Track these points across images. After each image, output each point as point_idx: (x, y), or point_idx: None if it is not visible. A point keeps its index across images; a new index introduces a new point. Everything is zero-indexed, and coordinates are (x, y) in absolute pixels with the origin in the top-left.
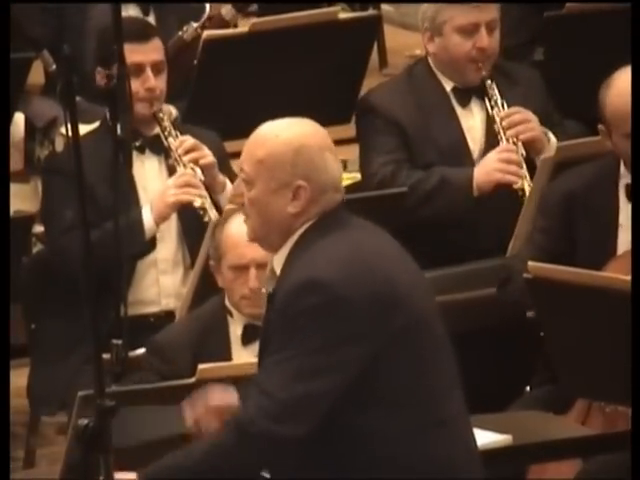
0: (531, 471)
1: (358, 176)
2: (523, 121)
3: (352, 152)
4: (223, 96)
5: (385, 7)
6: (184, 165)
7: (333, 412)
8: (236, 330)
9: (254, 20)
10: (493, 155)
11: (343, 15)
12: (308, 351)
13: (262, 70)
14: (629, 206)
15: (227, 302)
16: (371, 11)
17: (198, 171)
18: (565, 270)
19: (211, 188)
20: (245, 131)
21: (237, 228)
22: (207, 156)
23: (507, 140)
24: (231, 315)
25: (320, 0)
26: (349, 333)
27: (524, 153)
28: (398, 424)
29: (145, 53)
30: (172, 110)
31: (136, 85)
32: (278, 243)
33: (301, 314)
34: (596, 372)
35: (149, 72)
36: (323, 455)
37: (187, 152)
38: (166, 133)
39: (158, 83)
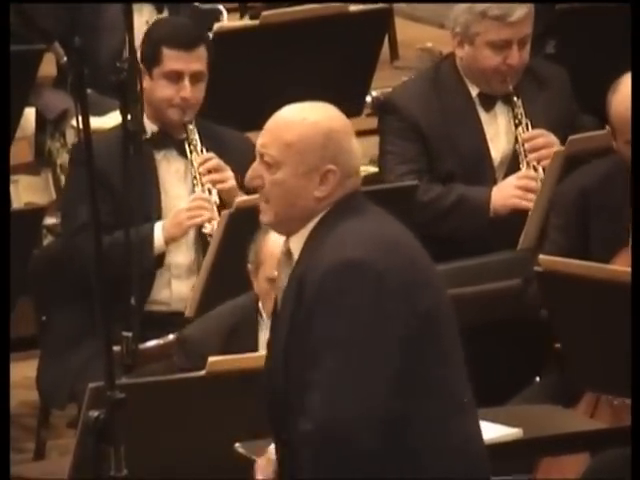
0: (540, 467)
1: (369, 169)
2: (546, 145)
3: (363, 145)
4: (234, 89)
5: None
6: (202, 184)
7: None
8: (264, 333)
9: (265, 13)
10: (512, 180)
11: (354, 8)
12: (361, 342)
13: (273, 63)
14: None
15: (260, 305)
16: (382, 4)
17: (214, 193)
18: (575, 263)
19: (228, 207)
20: (255, 123)
21: (279, 241)
22: (228, 180)
23: (527, 164)
24: (262, 317)
25: None
26: (391, 310)
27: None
28: (420, 411)
29: (187, 62)
30: None
31: (172, 91)
32: (297, 227)
33: (343, 294)
34: (605, 365)
35: (187, 81)
36: None
37: (209, 171)
38: (191, 147)
39: (195, 93)
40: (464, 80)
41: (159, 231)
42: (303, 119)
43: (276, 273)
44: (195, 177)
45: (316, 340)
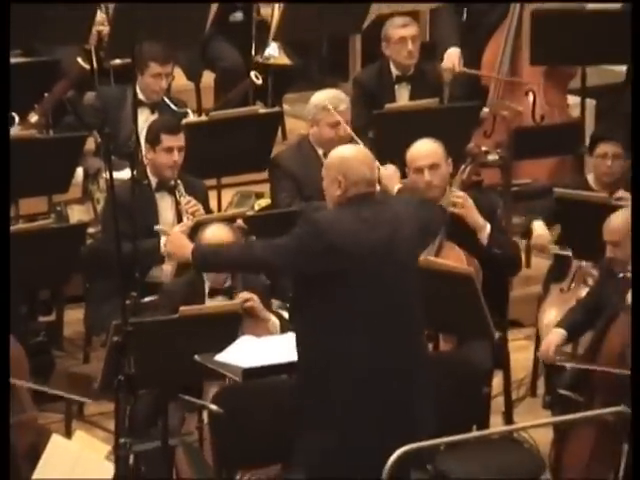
0: None
1: (266, 201)
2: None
3: (264, 188)
4: (198, 156)
5: (285, 106)
6: (187, 214)
7: (300, 310)
8: (206, 288)
9: (212, 113)
10: None
11: (262, 110)
12: (278, 243)
13: (218, 141)
14: None
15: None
16: (277, 108)
17: (192, 220)
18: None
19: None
20: (208, 174)
21: (209, 232)
22: (200, 209)
23: None
24: (204, 281)
25: (249, 100)
26: (306, 254)
27: None
28: (326, 325)
29: (175, 141)
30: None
31: (167, 158)
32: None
33: (294, 228)
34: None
35: (175, 152)
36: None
37: (190, 208)
38: (178, 194)
39: (179, 159)
40: (314, 146)
41: (162, 243)
42: (335, 151)
43: None
44: (183, 211)
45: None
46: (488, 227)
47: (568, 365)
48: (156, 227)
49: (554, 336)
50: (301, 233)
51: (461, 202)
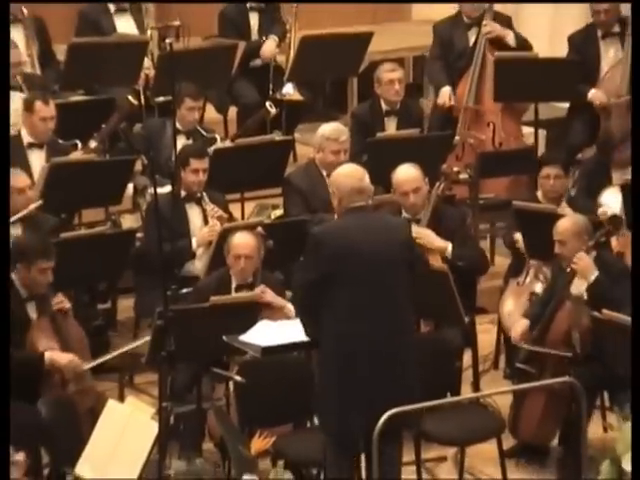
0: None
1: (283, 211)
2: None
3: (277, 201)
4: (225, 174)
5: (296, 135)
6: (212, 218)
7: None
8: (233, 286)
9: (237, 140)
10: None
11: (277, 138)
12: (300, 265)
13: (242, 162)
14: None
15: (231, 272)
16: (290, 136)
17: (218, 223)
18: None
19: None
20: (235, 189)
21: (237, 238)
22: (222, 214)
23: None
24: (231, 278)
25: (267, 129)
26: (313, 261)
27: None
28: (333, 315)
29: (201, 164)
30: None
31: (194, 178)
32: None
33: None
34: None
35: (200, 173)
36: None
37: (215, 214)
38: (204, 203)
39: (203, 178)
40: (320, 169)
41: (194, 242)
42: (337, 170)
43: (236, 253)
44: (209, 216)
45: None
46: (449, 246)
47: (532, 348)
48: None
49: (522, 326)
50: (306, 248)
51: (420, 237)
